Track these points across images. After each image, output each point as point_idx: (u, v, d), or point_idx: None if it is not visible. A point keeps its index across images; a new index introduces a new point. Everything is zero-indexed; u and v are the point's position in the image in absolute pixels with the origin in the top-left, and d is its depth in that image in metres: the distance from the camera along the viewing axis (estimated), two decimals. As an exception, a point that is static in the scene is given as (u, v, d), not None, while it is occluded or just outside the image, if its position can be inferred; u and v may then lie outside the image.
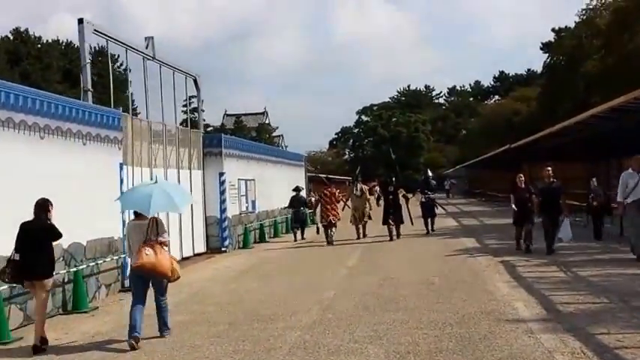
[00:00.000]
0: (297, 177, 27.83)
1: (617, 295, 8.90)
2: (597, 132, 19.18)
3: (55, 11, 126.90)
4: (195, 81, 18.67)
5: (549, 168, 14.23)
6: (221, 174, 18.33)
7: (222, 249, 18.15)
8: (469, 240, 17.49)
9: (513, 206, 14.61)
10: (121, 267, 11.79)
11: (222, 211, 18.26)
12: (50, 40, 51.59)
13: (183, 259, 16.35)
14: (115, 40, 13.28)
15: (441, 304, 8.86)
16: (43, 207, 7.47)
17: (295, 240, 20.24)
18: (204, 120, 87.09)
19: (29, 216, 7.50)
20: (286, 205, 21.55)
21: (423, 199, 20.21)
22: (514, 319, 7.79)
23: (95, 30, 12.06)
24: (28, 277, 7.36)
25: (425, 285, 10.44)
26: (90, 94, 11.72)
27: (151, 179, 10.11)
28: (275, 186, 23.51)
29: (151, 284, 7.71)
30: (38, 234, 7.37)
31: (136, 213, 7.90)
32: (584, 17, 40.33)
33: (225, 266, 14.79)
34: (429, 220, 19.87)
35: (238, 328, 8.10)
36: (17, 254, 7.28)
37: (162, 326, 7.77)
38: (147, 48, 15.25)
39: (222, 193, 18.30)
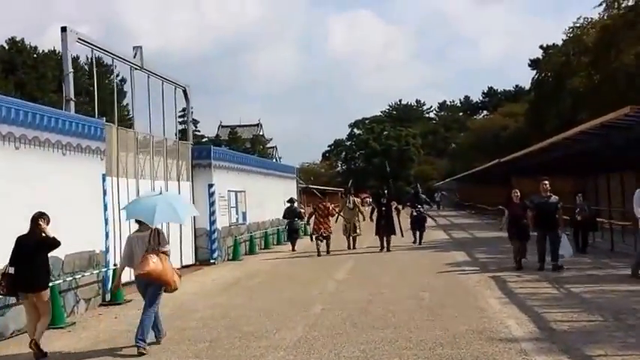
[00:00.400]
0: (288, 189, 27.35)
1: (612, 312, 8.43)
2: (586, 148, 18.80)
3: (53, 23, 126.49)
4: (184, 92, 18.18)
5: (546, 182, 13.54)
6: (210, 185, 17.80)
7: (211, 261, 17.57)
8: (459, 253, 17.00)
9: (505, 223, 14.14)
10: (102, 280, 11.21)
11: (212, 222, 17.71)
12: (47, 51, 51.20)
13: (183, 266, 15.86)
14: (100, 49, 12.79)
15: (431, 321, 8.34)
16: (35, 220, 7.45)
17: (293, 250, 20.30)
18: (198, 131, 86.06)
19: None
20: (277, 216, 21.42)
21: (414, 213, 20.36)
22: (507, 338, 7.29)
23: (79, 39, 11.55)
24: (23, 290, 7.35)
25: (415, 300, 9.93)
26: (72, 104, 11.19)
27: (148, 191, 10.43)
28: (266, 198, 23.01)
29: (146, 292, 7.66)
30: (31, 247, 7.35)
31: (138, 223, 7.85)
32: (571, 35, 40.26)
33: (212, 279, 14.21)
34: (418, 232, 20.20)
35: (219, 347, 7.55)
36: (11, 267, 7.27)
37: (138, 336, 7.41)
38: (135, 57, 14.76)
39: (212, 204, 17.76)
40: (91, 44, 12.43)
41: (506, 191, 14.90)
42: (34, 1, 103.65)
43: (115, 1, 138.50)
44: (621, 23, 30.17)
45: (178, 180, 16.95)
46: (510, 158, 26.07)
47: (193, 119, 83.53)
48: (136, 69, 15.12)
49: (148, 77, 15.88)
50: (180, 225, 16.61)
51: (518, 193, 14.03)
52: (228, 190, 19.06)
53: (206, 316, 9.57)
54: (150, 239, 7.53)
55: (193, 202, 17.59)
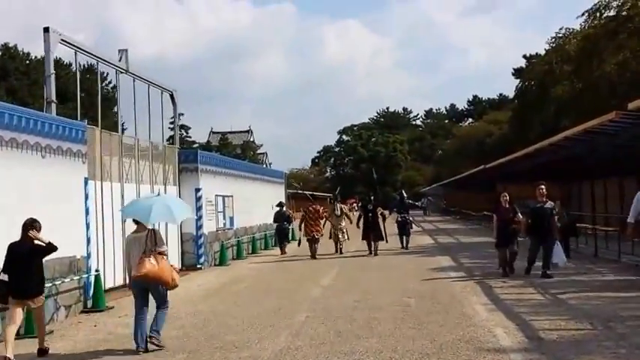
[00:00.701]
0: (276, 194, 26.88)
1: (600, 320, 8.10)
2: (571, 153, 18.58)
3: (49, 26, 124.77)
4: (171, 96, 17.72)
5: (543, 186, 12.56)
6: (197, 190, 17.35)
7: (198, 266, 17.10)
8: (445, 258, 16.67)
9: (494, 230, 13.07)
10: (84, 287, 10.73)
11: (199, 227, 17.25)
12: (39, 57, 50.73)
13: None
14: (83, 51, 12.33)
15: (417, 330, 7.96)
16: (25, 228, 7.37)
17: (283, 253, 20.24)
18: (189, 137, 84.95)
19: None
20: (265, 221, 21.12)
21: (399, 219, 20.47)
22: (495, 348, 6.92)
23: (62, 40, 11.10)
24: (17, 297, 7.26)
25: (401, 307, 9.55)
26: (53, 106, 10.72)
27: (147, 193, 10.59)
28: (254, 202, 22.57)
29: (150, 295, 7.62)
30: (24, 254, 7.29)
31: (136, 224, 7.80)
32: (554, 45, 40.26)
33: (197, 284, 13.75)
34: (404, 237, 20.16)
35: (198, 358, 7.12)
36: (5, 275, 7.22)
37: (153, 331, 7.45)
38: (120, 61, 14.31)
39: (199, 209, 17.28)
40: (75, 46, 11.97)
41: (494, 195, 13.99)
42: (30, 8, 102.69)
43: (110, 9, 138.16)
44: (603, 33, 30.10)
45: (165, 184, 16.47)
46: (496, 164, 25.87)
47: (184, 125, 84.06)
48: (121, 72, 14.67)
49: (134, 81, 15.43)
50: (167, 229, 16.30)
51: (507, 197, 13.10)
52: (216, 195, 18.61)
53: (188, 324, 9.13)
54: (146, 240, 7.47)
55: (180, 207, 17.21)
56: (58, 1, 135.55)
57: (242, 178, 21.56)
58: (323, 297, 11.13)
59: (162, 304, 7.58)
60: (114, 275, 12.78)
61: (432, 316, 8.73)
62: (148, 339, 7.35)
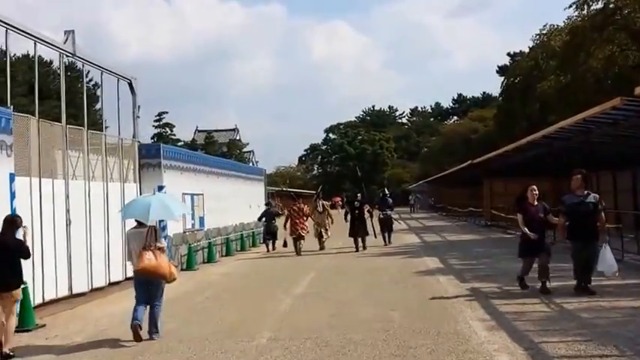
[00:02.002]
0: (255, 192, 25.06)
1: (626, 341, 6.41)
2: (566, 145, 16.95)
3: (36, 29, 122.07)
4: (130, 85, 15.78)
5: (579, 175, 9.32)
6: (160, 187, 15.38)
7: (162, 271, 15.24)
8: (432, 260, 14.92)
9: (526, 230, 9.55)
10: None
11: (162, 229, 15.24)
12: (19, 55, 50.10)
13: (110, 284, 13.51)
14: (16, 29, 10.40)
15: (401, 357, 6.19)
16: (11, 223, 7.31)
17: (268, 251, 20.02)
18: (174, 135, 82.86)
19: None
20: (242, 221, 20.43)
21: (381, 216, 20.40)
22: (501, 385, 5.17)
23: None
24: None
25: (382, 324, 7.77)
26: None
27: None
28: (229, 201, 20.66)
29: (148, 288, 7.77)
30: (5, 251, 7.12)
31: (137, 221, 8.02)
32: (538, 42, 38.89)
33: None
34: (387, 234, 20.13)
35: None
36: None
37: (152, 328, 7.69)
38: (65, 43, 12.39)
39: (163, 209, 15.41)
40: (5, 23, 10.06)
41: (520, 188, 10.41)
42: (20, 7, 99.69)
43: (98, 10, 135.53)
44: (590, 26, 28.61)
45: (122, 181, 14.60)
46: (483, 159, 24.23)
47: (169, 123, 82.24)
48: (67, 56, 12.76)
49: (83, 66, 13.57)
50: (124, 231, 14.42)
51: (537, 191, 9.80)
52: (183, 193, 16.67)
53: (118, 355, 7.26)
54: (147, 235, 7.71)
55: (141, 206, 15.37)
56: (44, 1, 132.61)
57: (214, 174, 19.66)
58: (293, 310, 9.32)
59: (157, 297, 7.82)
60: (56, 285, 10.93)
61: (419, 338, 6.95)
62: (150, 337, 7.58)
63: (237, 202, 21.61)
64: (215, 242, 18.86)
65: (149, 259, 7.55)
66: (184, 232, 16.70)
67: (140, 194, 15.36)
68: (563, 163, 21.06)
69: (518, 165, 22.75)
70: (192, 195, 17.38)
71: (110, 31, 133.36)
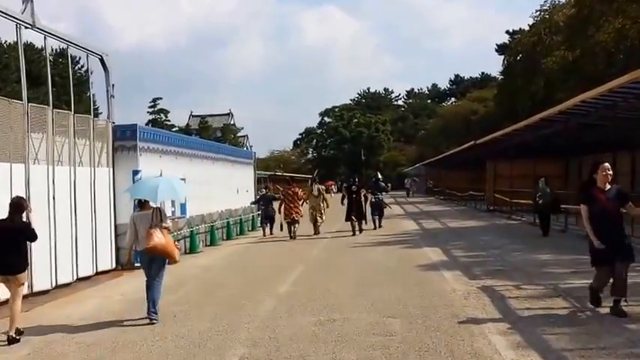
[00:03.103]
0: (243, 176, 23.59)
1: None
2: (584, 122, 15.50)
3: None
4: (101, 60, 14.23)
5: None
6: (136, 172, 13.97)
7: (136, 264, 13.76)
8: (433, 251, 13.47)
9: (592, 237, 6.85)
10: None
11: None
12: (12, 42, 49.41)
13: (79, 279, 12.12)
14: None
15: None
16: (17, 206, 7.30)
17: (264, 235, 19.88)
18: (168, 120, 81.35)
19: None
20: (229, 207, 19.79)
21: (373, 199, 20.38)
22: None
23: None
24: (2, 272, 7.16)
25: (380, 338, 6.34)
26: None
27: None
28: (215, 186, 19.18)
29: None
30: (12, 233, 7.15)
31: (139, 203, 8.43)
32: (539, 18, 37.27)
33: (120, 294, 10.50)
34: (377, 217, 20.20)
35: None
36: None
37: (151, 308, 7.83)
38: (23, 13, 10.84)
39: (137, 195, 13.97)
40: None
41: (589, 168, 7.30)
42: None
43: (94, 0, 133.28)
44: (598, -3, 27.00)
45: (92, 165, 13.13)
46: (488, 139, 22.72)
47: (163, 109, 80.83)
48: (26, 27, 11.20)
49: (45, 39, 12.00)
50: (95, 222, 13.03)
51: (610, 171, 6.97)
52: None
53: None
54: (153, 216, 7.95)
55: (114, 191, 13.94)
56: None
57: (198, 158, 18.15)
58: (274, 316, 7.88)
59: (158, 276, 8.04)
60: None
61: (426, 358, 5.55)
62: (148, 317, 7.75)
63: (223, 187, 20.16)
64: (198, 231, 17.42)
65: (159, 237, 7.83)
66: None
67: (114, 180, 13.98)
68: (578, 143, 19.66)
69: (525, 145, 21.32)
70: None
71: (104, 19, 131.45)
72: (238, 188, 22.34)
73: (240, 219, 21.95)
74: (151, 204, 8.18)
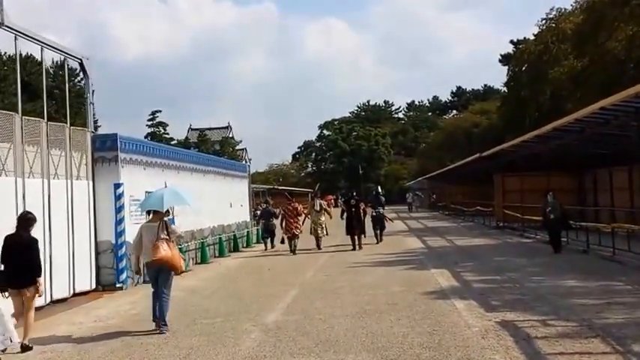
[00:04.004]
0: (238, 190, 22.48)
1: None
2: (596, 134, 14.43)
3: (37, 30, 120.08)
4: (81, 64, 13.20)
5: None
6: (117, 185, 12.89)
7: (118, 285, 12.72)
8: (441, 273, 12.28)
9: None
10: None
11: (119, 234, 12.83)
12: (11, 54, 49.35)
13: (53, 301, 10.99)
14: None
15: None
16: (25, 221, 7.60)
17: (266, 249, 20.22)
18: (167, 134, 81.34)
19: None
20: (222, 223, 19.40)
21: (374, 213, 20.51)
22: None
23: None
24: (14, 286, 7.35)
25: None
26: None
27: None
28: (206, 201, 18.01)
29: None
30: (22, 247, 7.39)
31: (148, 213, 9.07)
32: (544, 27, 36.40)
33: (93, 319, 9.36)
34: (379, 231, 20.27)
35: None
36: (2, 265, 7.29)
37: (161, 321, 8.08)
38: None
39: (119, 210, 12.86)
40: None
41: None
42: (24, 11, 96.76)
43: (95, 11, 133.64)
44: (610, 1, 26.08)
45: (69, 177, 12.03)
46: (495, 151, 21.58)
47: (162, 122, 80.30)
48: (-6, 26, 10.20)
49: (16, 39, 10.96)
50: (72, 239, 11.91)
51: None
52: (147, 192, 14.07)
53: None
54: (158, 229, 8.25)
55: (94, 206, 12.86)
56: (43, 3, 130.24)
57: (187, 170, 17.06)
58: (257, 354, 6.69)
59: (166, 287, 8.22)
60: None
61: None
62: (158, 328, 8.03)
63: (215, 202, 19.05)
64: (187, 248, 16.27)
65: (165, 249, 8.09)
66: (147, 238, 14.10)
67: (94, 193, 12.91)
68: (591, 155, 18.56)
69: (535, 158, 20.22)
70: (157, 194, 14.77)
71: (106, 32, 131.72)
72: (232, 202, 21.23)
73: (234, 235, 20.82)
74: (168, 216, 8.73)
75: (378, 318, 8.14)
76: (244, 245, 22.00)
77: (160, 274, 8.22)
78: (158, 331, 7.98)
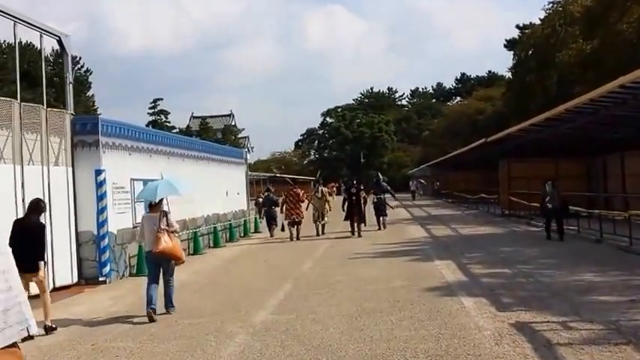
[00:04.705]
0: (234, 178, 21.56)
1: None
2: (601, 118, 13.45)
3: (40, 19, 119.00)
4: (59, 42, 12.25)
5: None
6: (98, 172, 11.99)
7: (101, 278, 11.87)
8: (447, 265, 11.37)
9: None
10: None
11: (101, 224, 11.96)
12: (9, 42, 48.85)
13: (31, 297, 10.02)
14: None
15: None
16: (35, 207, 7.82)
17: (271, 236, 19.97)
18: (169, 122, 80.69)
19: None
20: (217, 211, 18.70)
21: (375, 200, 20.43)
22: None
23: None
24: (20, 270, 4.49)
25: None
26: None
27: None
28: (199, 189, 17.12)
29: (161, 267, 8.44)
30: (30, 232, 7.50)
31: (149, 206, 9.01)
32: (551, 10, 35.17)
33: (71, 315, 8.51)
34: (380, 218, 20.11)
35: None
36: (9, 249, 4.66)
37: (168, 303, 8.39)
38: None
39: (101, 198, 11.97)
40: None
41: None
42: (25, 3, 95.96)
43: (100, 1, 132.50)
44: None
45: (45, 163, 11.14)
46: (501, 136, 20.57)
47: (164, 110, 79.64)
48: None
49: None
50: (50, 229, 11.03)
51: None
52: (132, 179, 13.25)
53: None
54: (159, 220, 8.42)
55: (74, 194, 11.98)
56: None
57: (177, 156, 16.14)
58: (239, 363, 5.87)
59: (170, 275, 8.51)
60: None
61: None
62: (167, 311, 8.34)
63: (209, 190, 18.14)
64: (179, 238, 15.35)
65: (166, 241, 8.27)
66: (135, 228, 13.23)
67: (73, 180, 12.02)
68: (603, 140, 17.60)
69: (542, 143, 19.25)
70: (145, 181, 13.84)
71: (111, 24, 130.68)
72: (228, 190, 20.33)
73: (230, 224, 19.96)
74: (164, 207, 8.77)
75: (377, 318, 7.25)
76: (241, 235, 21.15)
77: (161, 264, 8.39)
78: (152, 311, 8.07)
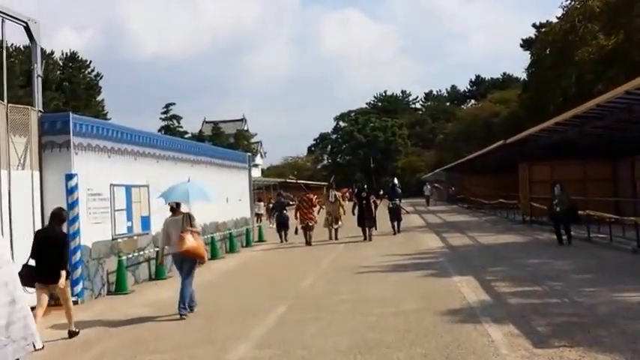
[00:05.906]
0: (235, 183, 20.05)
1: None
2: (630, 118, 11.77)
3: (58, 26, 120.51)
4: (26, 28, 10.86)
5: None
6: (69, 177, 10.53)
7: (72, 298, 10.36)
8: (467, 282, 9.72)
9: None
10: None
11: (71, 236, 10.45)
12: (19, 46, 48.38)
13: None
14: None
15: None
16: (57, 217, 7.60)
17: (281, 242, 19.81)
18: (181, 127, 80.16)
19: None
20: (216, 220, 17.30)
21: (391, 205, 20.55)
22: None
23: None
24: (42, 282, 7.33)
25: None
26: None
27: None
28: (194, 195, 15.66)
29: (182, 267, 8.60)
30: (53, 243, 7.39)
31: (171, 209, 8.94)
32: (569, 7, 33.45)
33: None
34: (396, 223, 20.35)
35: None
36: (32, 260, 7.31)
37: (181, 304, 8.38)
38: None
39: (72, 207, 10.46)
40: None
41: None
42: (40, 5, 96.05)
43: (115, 5, 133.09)
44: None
45: (5, 167, 9.71)
46: (521, 137, 18.85)
47: (176, 115, 78.90)
48: None
49: None
50: (10, 242, 9.58)
51: None
52: (112, 185, 11.77)
53: None
54: (183, 221, 8.60)
55: (41, 201, 10.55)
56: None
57: (169, 160, 14.64)
58: None
59: (190, 276, 8.58)
60: None
61: None
62: (189, 309, 8.48)
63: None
64: (169, 251, 13.90)
65: (190, 241, 8.46)
66: (114, 240, 11.77)
67: (41, 186, 10.59)
68: (633, 139, 15.91)
69: (566, 144, 17.55)
70: (128, 187, 12.43)
71: (127, 27, 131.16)
72: (228, 197, 18.83)
73: (230, 233, 18.45)
74: (183, 209, 8.88)
75: (381, 356, 5.68)
76: (243, 245, 19.66)
77: (184, 264, 8.54)
78: (185, 316, 8.23)
